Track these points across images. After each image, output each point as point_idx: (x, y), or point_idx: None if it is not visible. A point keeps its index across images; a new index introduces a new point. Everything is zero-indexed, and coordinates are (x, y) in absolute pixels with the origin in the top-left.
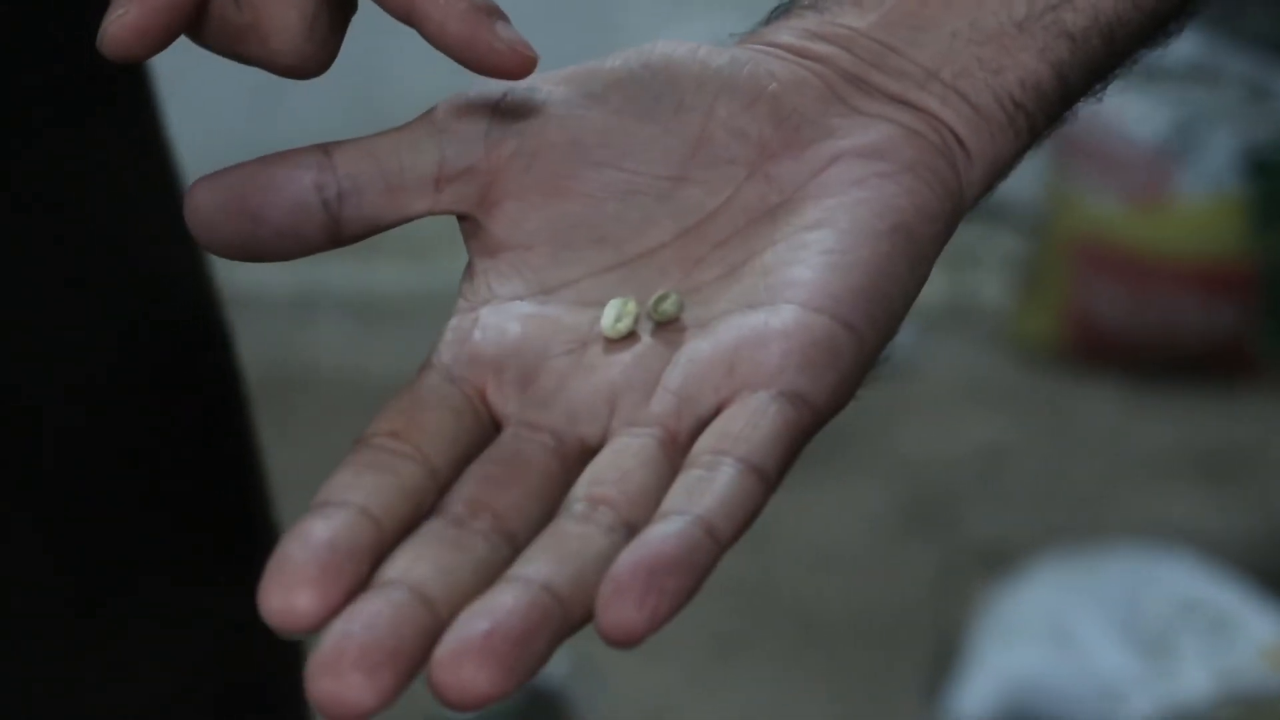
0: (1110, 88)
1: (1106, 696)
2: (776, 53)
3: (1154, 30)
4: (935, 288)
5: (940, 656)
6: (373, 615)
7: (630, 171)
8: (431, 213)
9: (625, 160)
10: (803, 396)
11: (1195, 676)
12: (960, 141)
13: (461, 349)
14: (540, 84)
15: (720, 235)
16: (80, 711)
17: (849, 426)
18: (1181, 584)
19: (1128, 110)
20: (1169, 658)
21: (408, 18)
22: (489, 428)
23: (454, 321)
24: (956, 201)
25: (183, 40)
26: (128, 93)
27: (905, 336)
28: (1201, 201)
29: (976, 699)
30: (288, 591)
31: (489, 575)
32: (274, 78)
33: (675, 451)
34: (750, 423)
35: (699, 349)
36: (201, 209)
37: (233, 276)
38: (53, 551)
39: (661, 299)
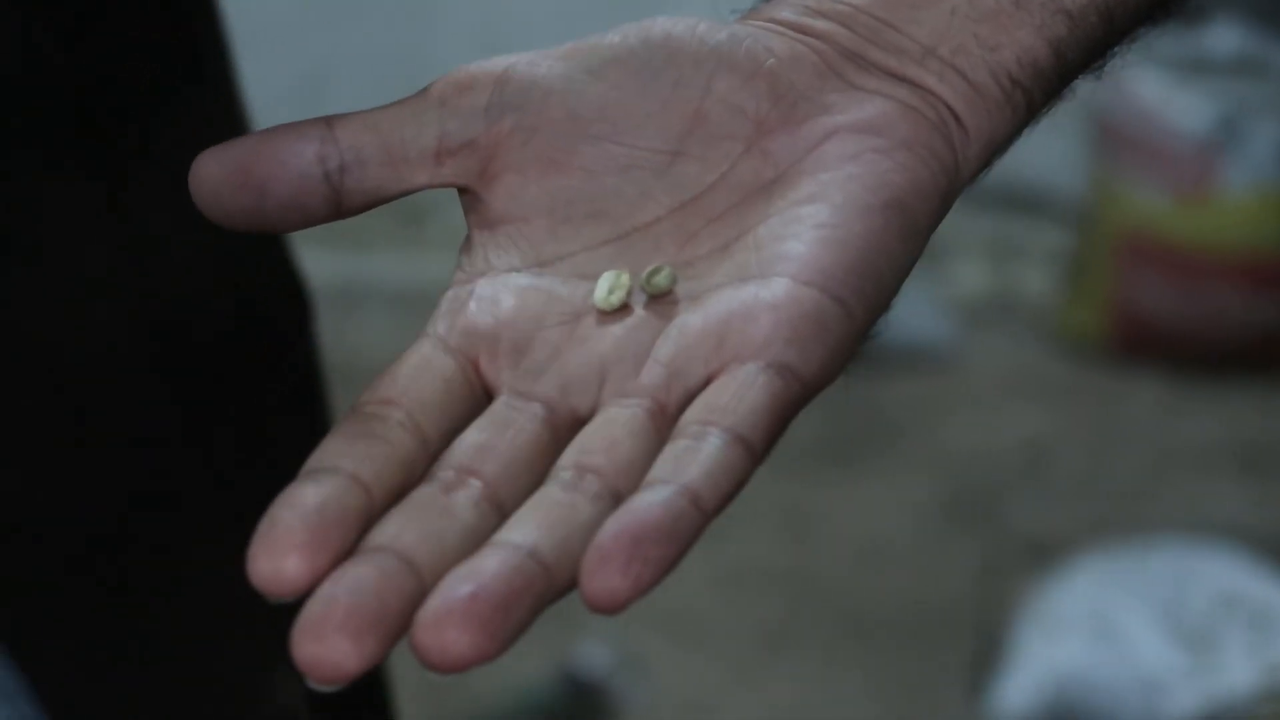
0: (1110, 65)
1: (1149, 690)
2: (775, 29)
3: (1152, 9)
4: (979, 280)
5: (984, 650)
6: (358, 580)
7: (628, 146)
8: (431, 185)
9: (623, 135)
10: (791, 368)
11: (1238, 671)
12: (957, 118)
13: (456, 320)
14: (540, 59)
15: (715, 210)
16: None
17: (893, 420)
18: (1225, 578)
19: (1172, 103)
20: (1212, 652)
21: None
22: (481, 398)
23: (450, 293)
24: (952, 178)
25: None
26: (214, 77)
27: (949, 329)
28: (1246, 194)
29: (1020, 693)
30: (276, 556)
31: (476, 542)
32: (317, 72)
33: (664, 422)
34: (737, 394)
35: (689, 321)
36: (208, 180)
37: None
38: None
39: (654, 272)
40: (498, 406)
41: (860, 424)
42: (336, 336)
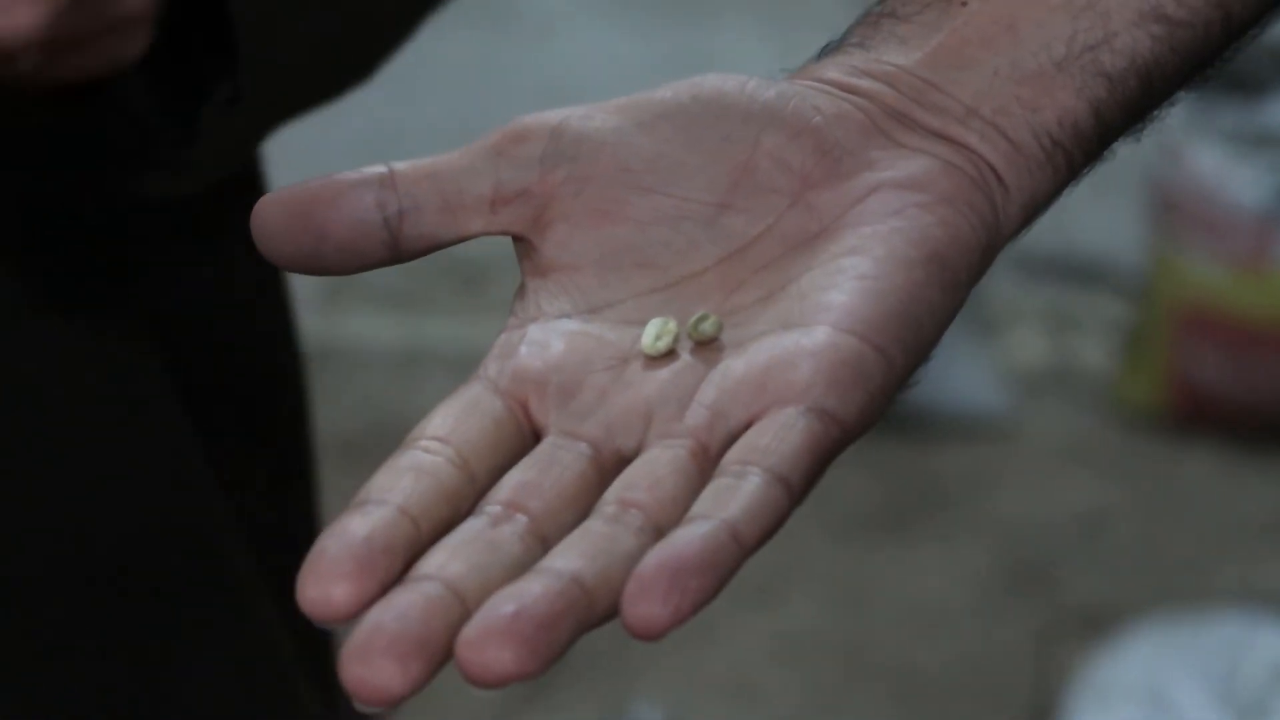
0: (1148, 128)
1: None
2: (823, 87)
3: (1191, 73)
4: (1037, 350)
5: (1037, 719)
6: (405, 606)
7: (677, 198)
8: (487, 233)
9: (672, 187)
10: (830, 413)
11: None
12: (998, 176)
13: (507, 363)
14: (593, 112)
15: (761, 261)
16: None
17: (949, 488)
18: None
19: (1231, 175)
20: None
21: None
22: (529, 439)
23: (503, 337)
24: (993, 234)
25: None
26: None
27: (1006, 398)
28: None
29: None
30: (324, 583)
31: (520, 572)
32: (373, 135)
33: (706, 462)
34: (778, 436)
35: (732, 367)
36: (268, 224)
37: (336, 332)
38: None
39: (701, 319)
40: (544, 446)
41: (916, 492)
42: (396, 400)
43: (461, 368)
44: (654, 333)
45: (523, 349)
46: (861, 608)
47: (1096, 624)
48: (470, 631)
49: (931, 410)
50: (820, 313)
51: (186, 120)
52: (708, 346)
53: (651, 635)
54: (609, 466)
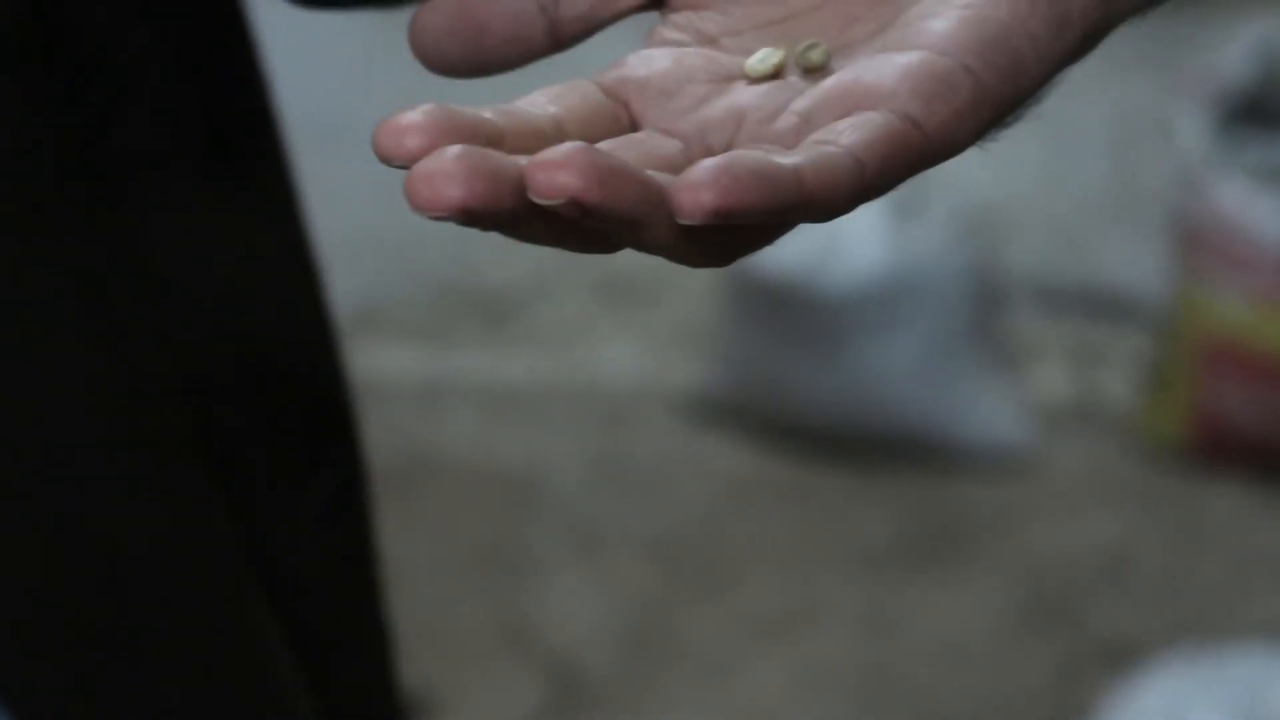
0: None
1: None
2: None
3: None
4: (1061, 384)
5: None
6: (470, 142)
7: None
8: (639, 7)
9: None
10: (912, 118)
11: None
12: None
13: (613, 70)
14: None
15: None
16: None
17: (972, 522)
18: None
19: (1255, 210)
20: None
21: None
22: (625, 129)
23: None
24: None
25: (318, 127)
26: (265, 166)
27: (1029, 432)
28: None
29: None
30: (397, 135)
31: None
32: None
33: None
34: (855, 125)
35: (827, 81)
36: (427, 31)
37: (360, 365)
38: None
39: (809, 47)
40: (637, 135)
41: (939, 526)
42: (421, 433)
43: (485, 402)
44: (760, 55)
45: (630, 58)
46: (883, 642)
47: (1120, 659)
48: (540, 156)
49: (954, 444)
50: (918, 37)
51: None
52: (815, 75)
53: (695, 213)
54: (696, 159)
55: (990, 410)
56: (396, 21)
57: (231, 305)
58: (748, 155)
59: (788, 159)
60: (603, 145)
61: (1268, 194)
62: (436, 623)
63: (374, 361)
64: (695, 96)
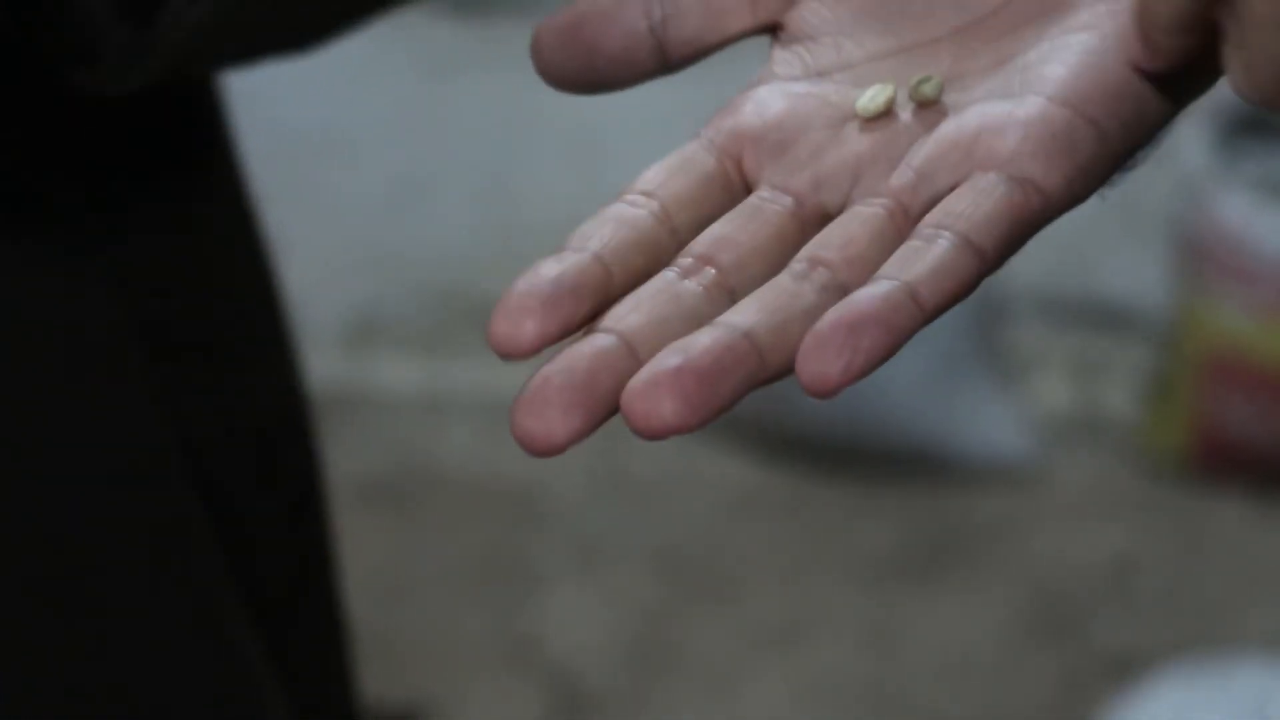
0: None
1: None
2: None
3: None
4: (1062, 396)
5: None
6: (573, 359)
7: None
8: (748, 30)
9: None
10: (1033, 182)
11: None
12: None
13: (725, 119)
14: None
15: (995, 33)
16: None
17: (975, 534)
18: None
19: (1258, 223)
20: None
21: None
22: (740, 194)
23: (730, 99)
24: None
25: (314, 136)
26: (221, 180)
27: (1031, 444)
28: None
29: None
30: (511, 320)
31: (699, 325)
32: (409, 179)
33: (904, 224)
34: (974, 201)
35: (944, 131)
36: (545, 46)
37: (359, 376)
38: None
39: (923, 81)
40: (751, 199)
41: (941, 538)
42: (420, 445)
43: (485, 414)
44: (870, 93)
45: (745, 106)
46: (885, 654)
47: (1123, 671)
48: (636, 382)
49: (956, 456)
50: (1038, 83)
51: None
52: (928, 110)
53: (824, 392)
54: (811, 222)
55: (992, 422)
56: (395, 36)
57: (194, 317)
58: (863, 308)
59: (903, 273)
60: (710, 233)
61: (1270, 207)
62: (438, 635)
63: (374, 373)
64: (810, 147)
